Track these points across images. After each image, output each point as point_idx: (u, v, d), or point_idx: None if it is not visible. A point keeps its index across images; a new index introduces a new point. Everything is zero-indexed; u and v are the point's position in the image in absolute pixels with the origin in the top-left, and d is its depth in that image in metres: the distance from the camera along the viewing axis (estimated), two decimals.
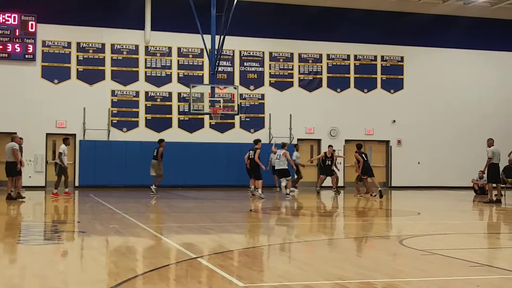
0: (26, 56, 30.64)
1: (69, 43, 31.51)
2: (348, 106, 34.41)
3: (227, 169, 31.00)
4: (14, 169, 22.62)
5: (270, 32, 33.54)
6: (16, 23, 30.49)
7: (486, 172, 23.91)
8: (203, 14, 28.81)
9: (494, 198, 23.59)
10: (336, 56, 34.68)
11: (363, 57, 35.01)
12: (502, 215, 20.15)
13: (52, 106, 30.82)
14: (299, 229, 15.41)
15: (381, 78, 35.24)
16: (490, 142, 23.63)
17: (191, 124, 32.55)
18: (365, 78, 34.98)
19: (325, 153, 28.12)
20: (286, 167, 25.37)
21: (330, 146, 28.57)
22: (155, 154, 26.80)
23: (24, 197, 23.06)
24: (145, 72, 32.37)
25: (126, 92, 32.01)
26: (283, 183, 25.27)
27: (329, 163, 27.82)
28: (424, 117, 35.21)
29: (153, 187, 26.50)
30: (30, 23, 30.65)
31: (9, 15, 30.44)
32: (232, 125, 32.96)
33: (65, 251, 11.02)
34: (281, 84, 33.92)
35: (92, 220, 16.22)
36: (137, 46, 32.32)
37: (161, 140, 27.20)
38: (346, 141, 34.41)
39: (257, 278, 8.55)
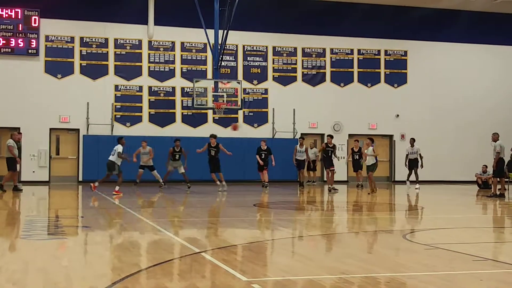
0: (30, 51, 30.64)
1: (72, 38, 31.51)
2: (352, 101, 34.38)
3: (230, 163, 30.92)
4: (10, 164, 24.27)
5: (274, 26, 33.52)
6: (19, 17, 30.49)
7: (495, 166, 23.60)
8: (207, 9, 28.81)
9: (498, 192, 23.57)
10: (339, 50, 34.65)
11: (367, 51, 34.97)
12: (506, 209, 20.13)
13: (56, 101, 30.84)
14: (302, 224, 15.41)
15: (385, 72, 35.20)
16: (496, 136, 23.53)
17: (195, 118, 32.56)
18: (368, 73, 34.95)
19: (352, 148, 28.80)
20: None
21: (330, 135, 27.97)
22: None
23: (5, 191, 24.08)
24: (149, 66, 32.37)
25: (130, 87, 32.02)
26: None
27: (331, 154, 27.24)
28: (427, 111, 35.18)
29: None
30: (33, 18, 30.65)
31: (12, 9, 30.44)
32: (235, 120, 32.92)
33: (69, 246, 11.03)
34: (285, 79, 33.90)
35: (96, 215, 16.24)
36: (140, 41, 32.31)
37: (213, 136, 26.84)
38: (350, 135, 34.39)
39: (260, 273, 8.56)
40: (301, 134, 33.25)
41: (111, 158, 23.51)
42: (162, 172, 26.90)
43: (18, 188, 24.34)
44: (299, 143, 29.48)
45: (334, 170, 27.00)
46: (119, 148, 23.41)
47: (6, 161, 24.48)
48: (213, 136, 26.49)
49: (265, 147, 28.26)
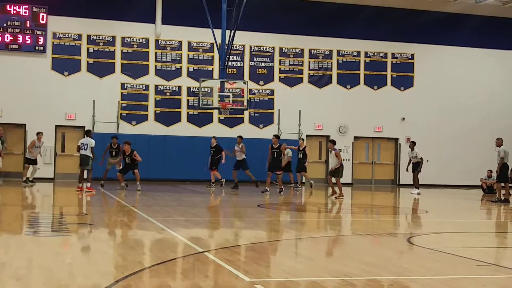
0: (37, 48, 30.70)
1: (79, 36, 31.56)
2: (358, 103, 34.35)
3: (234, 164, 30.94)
4: None
5: (281, 27, 33.50)
6: (27, 14, 30.55)
7: (498, 171, 23.74)
8: (214, 9, 28.80)
9: (502, 198, 23.55)
10: (346, 52, 34.62)
11: (374, 54, 34.94)
12: (510, 215, 20.10)
13: (62, 98, 30.89)
14: (306, 225, 15.41)
15: (391, 75, 35.17)
16: (500, 142, 23.61)
17: (200, 118, 32.56)
18: (375, 75, 34.92)
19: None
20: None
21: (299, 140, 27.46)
22: None
23: None
24: (155, 65, 32.39)
25: (136, 86, 32.05)
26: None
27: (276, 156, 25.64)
28: (433, 115, 35.13)
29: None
30: (41, 15, 30.70)
31: (20, 6, 30.49)
32: (241, 120, 32.96)
33: (72, 243, 11.05)
34: (291, 80, 33.89)
35: (100, 213, 16.26)
36: (147, 40, 32.34)
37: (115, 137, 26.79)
38: (355, 138, 34.39)
39: (263, 273, 8.56)
40: (306, 135, 33.24)
41: (84, 152, 23.34)
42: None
43: None
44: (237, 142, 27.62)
45: (281, 173, 25.65)
46: (92, 143, 23.31)
47: None
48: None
49: (214, 144, 27.13)
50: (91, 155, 23.32)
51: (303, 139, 28.56)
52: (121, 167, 25.77)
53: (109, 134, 30.51)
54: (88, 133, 24.01)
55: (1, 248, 10.25)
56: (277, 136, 26.14)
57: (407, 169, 28.51)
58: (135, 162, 25.14)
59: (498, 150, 23.55)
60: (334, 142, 23.78)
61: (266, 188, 25.07)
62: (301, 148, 27.63)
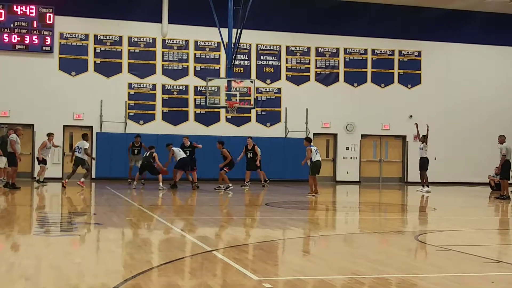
0: (44, 48, 30.77)
1: (86, 36, 31.62)
2: (365, 101, 34.32)
3: (242, 162, 30.89)
4: (11, 159, 24.04)
5: (287, 25, 33.50)
6: (34, 15, 30.63)
7: (500, 168, 23.88)
8: (221, 8, 28.85)
9: (510, 194, 23.52)
10: (353, 50, 34.59)
11: (381, 51, 34.90)
12: None
13: (69, 98, 30.97)
14: (314, 224, 15.41)
15: (398, 72, 35.12)
16: (502, 139, 23.68)
17: (207, 117, 32.60)
18: (382, 73, 34.88)
19: (246, 146, 27.59)
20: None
21: (249, 137, 28.08)
22: None
23: (19, 187, 23.80)
24: (162, 65, 32.43)
25: (143, 85, 32.10)
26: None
27: (251, 156, 27.52)
28: (441, 112, 35.06)
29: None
30: (48, 15, 30.78)
31: (27, 7, 30.57)
32: (248, 119, 32.97)
33: (81, 243, 11.08)
34: (298, 78, 33.88)
35: (108, 212, 16.28)
36: (154, 39, 32.38)
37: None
38: (363, 136, 34.35)
39: (271, 272, 8.56)
40: (314, 134, 33.20)
41: (78, 155, 24.47)
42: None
43: (15, 186, 23.82)
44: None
45: (224, 171, 25.71)
46: (85, 144, 24.10)
47: (8, 156, 24.33)
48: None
49: (188, 144, 26.64)
50: (85, 158, 24.51)
51: (251, 137, 28.17)
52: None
53: (117, 134, 30.74)
54: (84, 137, 24.69)
55: (10, 247, 10.30)
56: (251, 137, 27.99)
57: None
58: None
59: (500, 147, 23.62)
60: (308, 140, 23.57)
61: (246, 182, 27.35)
62: (249, 147, 27.42)
